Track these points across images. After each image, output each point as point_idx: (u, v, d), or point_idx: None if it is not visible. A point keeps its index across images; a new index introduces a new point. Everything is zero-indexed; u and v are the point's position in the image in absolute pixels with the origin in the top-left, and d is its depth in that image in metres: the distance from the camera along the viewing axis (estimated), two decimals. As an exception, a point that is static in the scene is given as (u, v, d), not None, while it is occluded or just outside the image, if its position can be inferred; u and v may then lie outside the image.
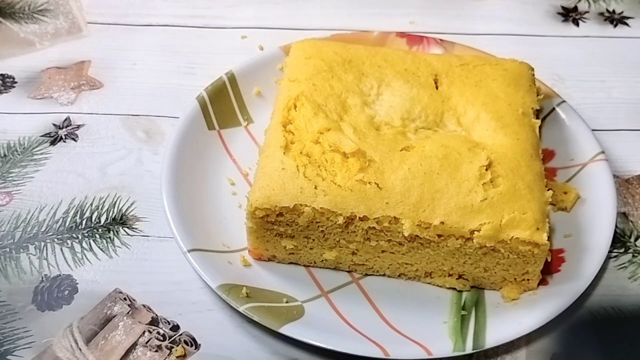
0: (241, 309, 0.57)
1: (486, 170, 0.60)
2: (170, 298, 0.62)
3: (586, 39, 0.87)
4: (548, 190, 0.61)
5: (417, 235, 0.58)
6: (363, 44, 0.73)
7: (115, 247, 0.66)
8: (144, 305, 0.61)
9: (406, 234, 0.58)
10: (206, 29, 0.87)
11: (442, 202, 0.58)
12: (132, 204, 0.69)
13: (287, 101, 0.65)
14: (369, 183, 0.59)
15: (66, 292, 0.62)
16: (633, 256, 0.66)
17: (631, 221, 0.68)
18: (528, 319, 0.58)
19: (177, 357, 0.58)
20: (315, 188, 0.58)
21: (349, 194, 0.58)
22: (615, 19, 0.89)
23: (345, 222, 0.58)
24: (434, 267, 0.61)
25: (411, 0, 0.91)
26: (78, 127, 0.76)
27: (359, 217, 0.58)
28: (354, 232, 0.59)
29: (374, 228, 0.59)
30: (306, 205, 0.58)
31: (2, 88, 0.79)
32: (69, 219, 0.68)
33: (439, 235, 0.58)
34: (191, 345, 0.59)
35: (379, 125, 0.64)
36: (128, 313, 0.61)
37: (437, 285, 0.62)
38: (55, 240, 0.66)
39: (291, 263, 0.63)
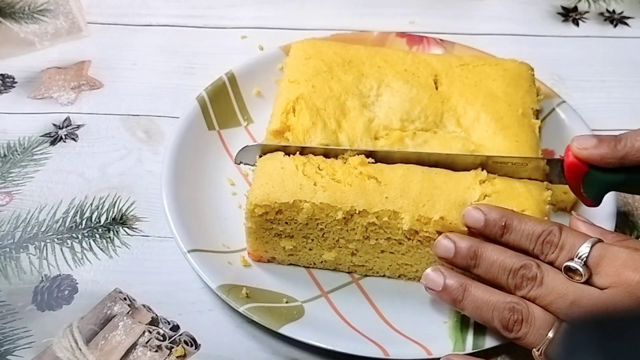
0: (241, 309, 0.58)
1: (482, 170, 0.60)
2: (170, 298, 0.62)
3: (586, 39, 0.87)
4: (548, 190, 0.61)
5: (417, 232, 0.58)
6: (363, 44, 0.73)
7: (115, 247, 0.66)
8: (144, 305, 0.62)
9: (405, 228, 0.58)
10: (206, 29, 0.87)
11: (442, 198, 0.58)
12: (132, 204, 0.69)
13: (286, 104, 0.65)
14: (369, 178, 0.59)
15: (66, 292, 0.62)
16: (633, 256, 0.66)
17: (631, 221, 0.68)
18: (528, 319, 0.58)
19: (177, 357, 0.58)
20: (315, 184, 0.58)
21: (349, 188, 0.58)
22: (615, 19, 0.89)
23: (345, 217, 0.58)
24: (434, 267, 0.61)
25: (411, 0, 0.91)
26: (78, 127, 0.76)
27: (358, 212, 0.58)
28: (354, 229, 0.59)
29: (373, 224, 0.59)
30: (305, 201, 0.58)
31: (2, 88, 0.79)
32: (69, 219, 0.68)
33: (439, 233, 0.58)
34: (191, 345, 0.59)
35: (378, 130, 0.64)
36: (128, 313, 0.61)
37: (437, 285, 0.63)
38: (55, 240, 0.66)
39: (290, 264, 0.64)
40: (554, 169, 0.61)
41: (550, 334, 0.53)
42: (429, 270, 0.58)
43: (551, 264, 0.55)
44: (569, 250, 0.54)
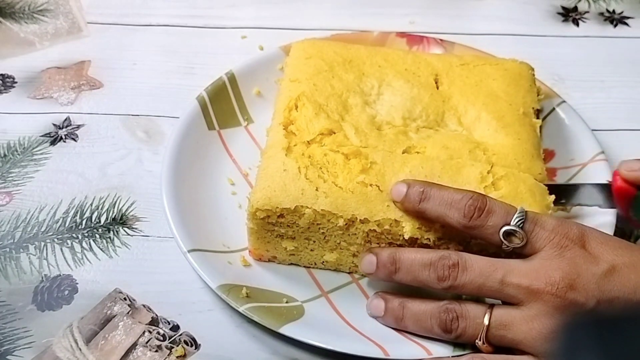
0: (241, 309, 0.57)
1: (487, 173, 0.60)
2: (170, 298, 0.62)
3: (586, 39, 0.87)
4: (550, 194, 0.61)
5: (418, 238, 0.58)
6: (363, 44, 0.73)
7: (115, 247, 0.66)
8: (144, 305, 0.61)
9: (407, 237, 0.58)
10: (206, 29, 0.87)
11: (444, 205, 0.58)
12: (132, 204, 0.69)
13: (288, 101, 0.65)
14: (370, 185, 0.59)
15: (66, 292, 0.62)
16: (633, 256, 0.66)
17: (631, 221, 0.68)
18: (528, 319, 0.58)
19: (177, 357, 0.58)
20: (317, 190, 0.58)
21: (350, 196, 0.58)
22: (615, 19, 0.89)
23: (346, 224, 0.58)
24: (434, 268, 0.61)
25: (411, 0, 0.91)
26: (78, 127, 0.76)
27: (360, 220, 0.58)
28: (355, 234, 0.59)
29: (374, 230, 0.59)
30: (307, 207, 0.58)
31: (2, 88, 0.79)
32: (69, 219, 0.68)
33: (440, 239, 0.58)
34: (191, 345, 0.59)
35: (380, 124, 0.64)
36: (128, 313, 0.61)
37: (437, 286, 0.62)
38: (55, 240, 0.66)
39: (291, 264, 0.63)
40: (603, 193, 0.62)
41: (486, 321, 0.53)
42: (370, 298, 0.59)
43: (485, 237, 0.55)
44: (503, 215, 0.54)
